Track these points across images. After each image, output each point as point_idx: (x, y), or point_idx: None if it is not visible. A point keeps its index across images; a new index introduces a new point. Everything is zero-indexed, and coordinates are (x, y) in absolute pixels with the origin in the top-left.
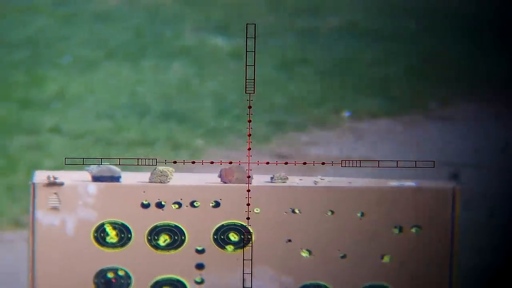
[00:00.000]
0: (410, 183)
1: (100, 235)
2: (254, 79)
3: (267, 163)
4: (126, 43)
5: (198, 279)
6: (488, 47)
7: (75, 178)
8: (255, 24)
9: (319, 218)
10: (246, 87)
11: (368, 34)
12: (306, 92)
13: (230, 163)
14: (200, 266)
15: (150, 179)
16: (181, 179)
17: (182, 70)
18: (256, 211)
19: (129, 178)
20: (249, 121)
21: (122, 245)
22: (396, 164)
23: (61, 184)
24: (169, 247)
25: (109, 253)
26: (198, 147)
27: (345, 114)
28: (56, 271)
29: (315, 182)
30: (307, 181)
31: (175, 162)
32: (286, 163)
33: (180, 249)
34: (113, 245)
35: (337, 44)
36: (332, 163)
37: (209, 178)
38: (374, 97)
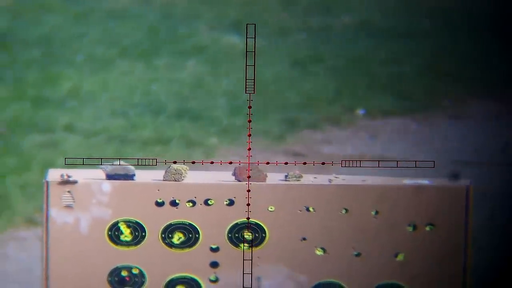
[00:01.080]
0: (424, 181)
1: (114, 233)
2: (254, 79)
3: (267, 163)
4: (140, 41)
5: (212, 277)
6: (503, 45)
7: (89, 176)
8: (255, 24)
9: (333, 217)
10: (246, 87)
11: (382, 32)
12: (320, 90)
13: (230, 163)
14: (214, 264)
15: (164, 177)
16: (196, 177)
17: (196, 68)
18: (271, 210)
19: (143, 176)
20: (249, 121)
21: (136, 244)
22: (396, 164)
23: (75, 182)
24: (183, 245)
25: (123, 251)
26: (212, 146)
27: (360, 112)
28: (70, 269)
29: (330, 181)
30: (322, 179)
31: (175, 162)
32: (286, 163)
33: (194, 247)
34: (127, 243)
35: (351, 42)
36: (332, 163)
37: (223, 176)
38: (388, 95)
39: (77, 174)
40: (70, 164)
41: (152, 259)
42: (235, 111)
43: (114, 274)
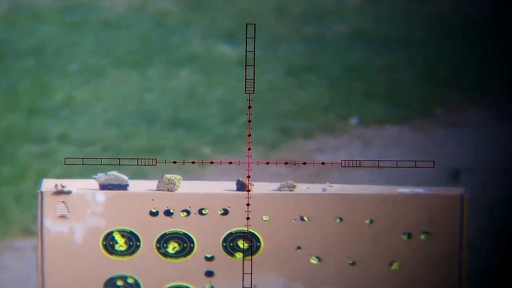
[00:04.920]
0: (419, 190)
1: (109, 243)
2: (254, 79)
3: (267, 163)
4: (133, 50)
5: (207, 287)
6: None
7: (83, 186)
8: (254, 24)
9: (328, 225)
10: (245, 87)
11: (377, 40)
12: (314, 99)
13: (230, 163)
14: (209, 274)
15: (157, 187)
16: (189, 187)
17: (190, 77)
18: (265, 219)
19: (137, 186)
20: (249, 121)
21: (131, 253)
22: (396, 164)
23: (69, 192)
24: (178, 254)
25: (118, 261)
26: (206, 155)
27: (353, 120)
28: (65, 279)
29: (324, 189)
30: (315, 188)
31: (174, 162)
32: (286, 163)
33: (189, 256)
34: (122, 253)
35: (345, 51)
36: (332, 163)
37: (217, 186)
38: (383, 104)
39: (71, 184)
40: (69, 164)
41: (147, 268)
42: (229, 120)
43: (110, 284)
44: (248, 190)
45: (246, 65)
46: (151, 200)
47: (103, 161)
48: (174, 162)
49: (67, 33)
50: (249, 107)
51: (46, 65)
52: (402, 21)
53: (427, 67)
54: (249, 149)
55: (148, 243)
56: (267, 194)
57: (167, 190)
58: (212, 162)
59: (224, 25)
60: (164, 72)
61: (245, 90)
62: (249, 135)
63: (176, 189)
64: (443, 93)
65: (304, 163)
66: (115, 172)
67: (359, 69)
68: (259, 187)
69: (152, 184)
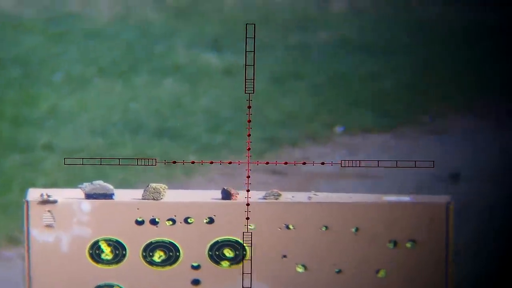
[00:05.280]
0: (405, 198)
1: (95, 252)
2: (253, 79)
3: (267, 163)
4: (118, 60)
5: None
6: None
7: (69, 196)
8: (254, 24)
9: (313, 234)
10: (245, 87)
11: (361, 48)
12: (299, 107)
13: (230, 163)
14: (196, 282)
15: (143, 196)
16: (174, 196)
17: (175, 86)
18: (251, 227)
19: (123, 195)
20: (249, 121)
21: (117, 262)
22: (396, 164)
23: (55, 201)
24: (164, 263)
25: (105, 270)
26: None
27: (338, 129)
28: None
29: (309, 198)
30: (301, 197)
31: (174, 162)
32: (286, 163)
33: (175, 265)
34: (108, 262)
35: (330, 59)
36: (332, 163)
37: (203, 195)
38: (368, 112)
39: (57, 193)
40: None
41: (133, 277)
42: (214, 129)
43: None
44: (248, 190)
45: (246, 65)
46: (137, 209)
47: (103, 161)
48: (174, 162)
49: (52, 43)
50: (249, 107)
51: (31, 75)
52: (386, 29)
53: (411, 74)
54: (249, 149)
55: (134, 252)
56: (253, 203)
57: (152, 199)
58: (212, 162)
59: (208, 33)
60: (149, 81)
61: (245, 90)
62: (249, 135)
63: (161, 198)
64: (427, 101)
65: (304, 163)
66: (100, 182)
67: (344, 77)
68: (243, 196)
69: (137, 193)
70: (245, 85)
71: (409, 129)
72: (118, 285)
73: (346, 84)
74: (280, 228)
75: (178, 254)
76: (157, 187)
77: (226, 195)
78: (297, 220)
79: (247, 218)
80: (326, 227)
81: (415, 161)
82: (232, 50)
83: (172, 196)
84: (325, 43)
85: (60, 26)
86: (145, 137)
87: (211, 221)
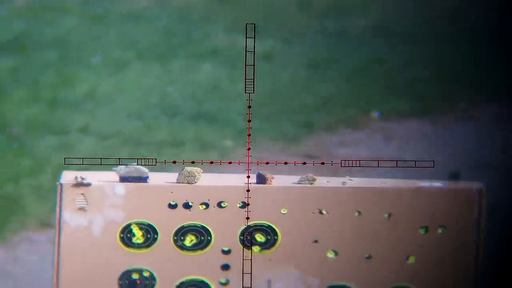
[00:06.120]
0: (437, 184)
1: (126, 236)
2: (253, 79)
3: (267, 163)
4: (156, 43)
5: (223, 280)
6: None
7: (103, 179)
8: (254, 24)
9: (346, 219)
10: (245, 87)
11: (397, 35)
12: (335, 93)
13: (230, 163)
14: (225, 267)
15: (177, 180)
16: (209, 180)
17: (212, 71)
18: (283, 212)
19: (157, 178)
20: (249, 121)
21: (148, 246)
22: (396, 164)
23: (89, 184)
24: (195, 247)
25: (135, 254)
26: (227, 148)
27: (375, 114)
28: (81, 272)
29: (344, 183)
30: (335, 182)
31: (174, 162)
32: (285, 163)
33: (206, 249)
34: (138, 246)
35: (367, 45)
36: (332, 163)
37: (237, 179)
38: (403, 98)
39: (91, 176)
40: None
41: (163, 261)
42: (251, 113)
43: (125, 277)
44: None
45: (246, 65)
46: (171, 193)
47: (103, 161)
48: (174, 162)
49: (90, 26)
50: (249, 107)
51: (68, 57)
52: (424, 17)
53: (448, 62)
54: (249, 149)
55: (165, 236)
56: (286, 187)
57: (187, 183)
58: (211, 162)
59: (246, 18)
60: (186, 65)
61: (245, 90)
62: (249, 135)
63: (196, 182)
64: (464, 88)
65: (304, 163)
66: (135, 164)
67: (380, 63)
68: (279, 180)
69: (172, 177)
70: (245, 85)
71: (445, 115)
72: (147, 270)
73: (383, 70)
74: (313, 213)
75: (209, 238)
76: (192, 170)
77: (261, 179)
78: (331, 205)
79: (247, 218)
80: (359, 213)
81: (415, 161)
82: (270, 35)
83: (207, 180)
84: (362, 29)
85: (99, 8)
86: (181, 121)
87: (244, 205)
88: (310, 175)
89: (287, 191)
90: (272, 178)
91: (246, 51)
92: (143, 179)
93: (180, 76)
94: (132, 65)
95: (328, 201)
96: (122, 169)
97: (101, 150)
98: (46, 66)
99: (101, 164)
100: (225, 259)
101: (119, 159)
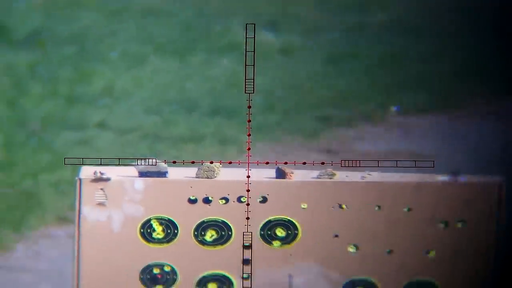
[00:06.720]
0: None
1: (146, 231)
2: (253, 79)
3: (267, 163)
4: (174, 38)
5: (244, 275)
6: None
7: (122, 174)
8: (254, 24)
9: (366, 213)
10: (245, 87)
11: (416, 29)
12: (354, 87)
13: (230, 163)
14: (246, 262)
15: (197, 175)
16: (228, 175)
17: (231, 65)
18: (303, 207)
19: (176, 173)
20: (249, 121)
21: (168, 241)
22: (395, 164)
23: (108, 179)
24: (215, 242)
25: (155, 249)
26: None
27: (394, 108)
28: (101, 267)
29: (363, 177)
30: (355, 176)
31: (174, 162)
32: (285, 163)
33: (226, 244)
34: (159, 241)
35: (385, 40)
36: (332, 163)
37: (257, 173)
38: (421, 92)
39: (110, 171)
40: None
41: (184, 256)
42: (269, 109)
43: (146, 272)
44: (248, 177)
45: (246, 65)
46: (190, 188)
47: (103, 161)
48: (174, 162)
49: (108, 21)
50: (249, 107)
51: (86, 52)
52: (442, 10)
53: (467, 56)
54: (249, 149)
55: (185, 231)
56: (306, 182)
57: (206, 178)
58: (211, 162)
59: (265, 13)
60: (205, 60)
61: (245, 90)
62: (249, 135)
63: (215, 177)
64: (482, 83)
65: (304, 163)
66: (154, 160)
67: (398, 58)
68: (299, 175)
69: (191, 172)
70: (245, 85)
71: (463, 110)
72: (168, 264)
73: (401, 65)
74: (332, 208)
75: (230, 233)
76: (211, 165)
77: (281, 174)
78: (350, 200)
79: (247, 218)
80: (379, 207)
81: (415, 161)
82: (289, 29)
83: (226, 174)
84: (380, 24)
85: (117, 3)
86: (199, 116)
87: (264, 200)
88: (330, 169)
89: (307, 186)
90: (292, 173)
91: (246, 51)
92: (162, 173)
93: (198, 71)
94: (150, 60)
95: (348, 196)
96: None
97: (119, 146)
98: (64, 61)
99: (101, 164)
100: (245, 254)
101: (119, 159)
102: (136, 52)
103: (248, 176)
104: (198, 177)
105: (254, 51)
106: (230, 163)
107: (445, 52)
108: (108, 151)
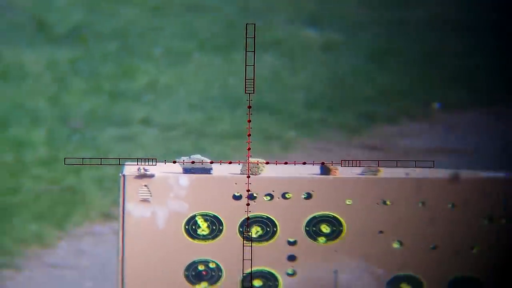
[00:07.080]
0: (500, 174)
1: (191, 227)
2: (253, 79)
3: (267, 163)
4: (218, 34)
5: (290, 271)
6: None
7: (166, 170)
8: (254, 24)
9: (410, 209)
10: (245, 87)
11: (457, 25)
12: (396, 84)
13: (230, 163)
14: (292, 258)
15: (241, 171)
16: (273, 171)
17: (274, 62)
18: (348, 203)
19: (221, 169)
20: (249, 121)
21: (214, 237)
22: (396, 164)
23: (152, 176)
24: (261, 238)
25: (200, 246)
26: (290, 139)
27: (436, 105)
28: (146, 263)
29: (407, 174)
30: (399, 172)
31: (174, 162)
32: (285, 163)
33: (271, 240)
34: (204, 237)
35: (427, 35)
36: (332, 163)
37: (301, 170)
38: (464, 89)
39: (153, 168)
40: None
41: (229, 253)
42: (312, 105)
43: (191, 269)
44: (248, 176)
45: (246, 65)
46: (235, 184)
47: (103, 161)
48: (174, 162)
49: (151, 17)
50: (249, 107)
51: (129, 48)
52: (484, 5)
53: (510, 51)
54: (249, 149)
55: (231, 227)
56: (350, 178)
57: (251, 174)
58: (212, 162)
59: (308, 9)
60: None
61: (245, 90)
62: (249, 135)
63: (260, 173)
64: None
65: (304, 163)
66: (198, 156)
67: (440, 54)
68: (343, 171)
69: (236, 168)
70: (245, 85)
71: (505, 106)
72: (213, 261)
73: (443, 61)
74: (377, 204)
75: (275, 229)
76: (255, 161)
77: (325, 170)
78: (394, 196)
79: (247, 218)
80: (423, 203)
81: (415, 161)
82: (331, 26)
83: (270, 171)
84: (422, 19)
85: None
86: (243, 112)
87: (308, 196)
88: (374, 166)
89: (351, 182)
90: (336, 169)
91: (246, 51)
92: (206, 170)
93: (241, 67)
94: (194, 56)
95: (392, 192)
96: (185, 160)
97: (163, 142)
98: (106, 57)
99: (101, 164)
100: (291, 250)
101: (119, 159)
102: (179, 48)
103: (248, 176)
104: (243, 174)
105: (254, 51)
106: (230, 163)
107: (487, 47)
108: (151, 147)
